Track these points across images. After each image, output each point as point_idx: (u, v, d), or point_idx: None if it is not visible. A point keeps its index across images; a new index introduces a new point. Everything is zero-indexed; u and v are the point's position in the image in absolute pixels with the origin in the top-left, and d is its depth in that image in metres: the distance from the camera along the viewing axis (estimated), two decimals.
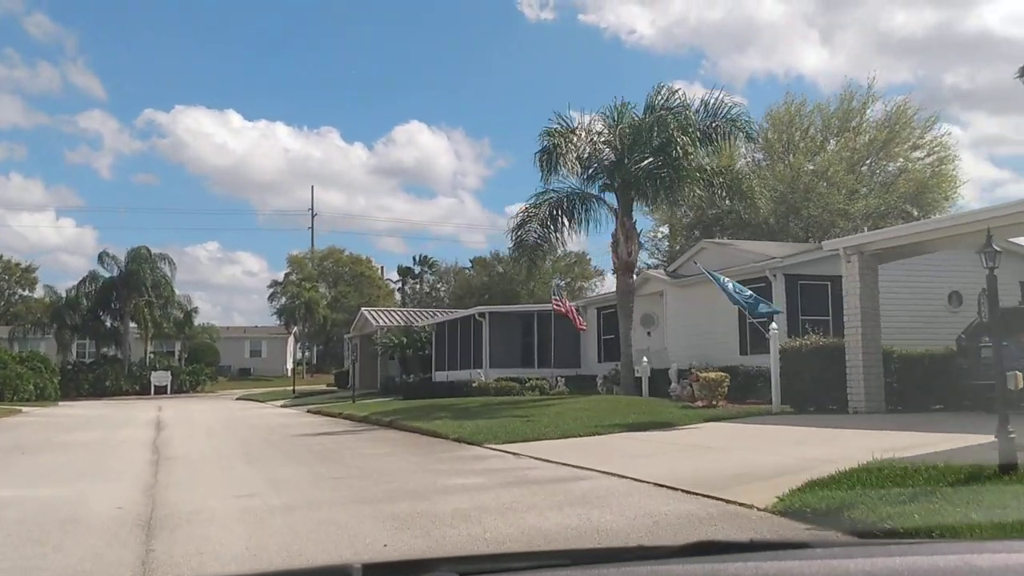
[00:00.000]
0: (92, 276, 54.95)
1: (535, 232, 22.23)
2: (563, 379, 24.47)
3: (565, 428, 14.39)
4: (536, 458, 11.32)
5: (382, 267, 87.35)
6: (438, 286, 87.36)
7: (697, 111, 20.68)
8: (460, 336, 30.82)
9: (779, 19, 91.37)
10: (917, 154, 39.69)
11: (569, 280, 75.22)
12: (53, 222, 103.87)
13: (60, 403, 40.38)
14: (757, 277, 20.08)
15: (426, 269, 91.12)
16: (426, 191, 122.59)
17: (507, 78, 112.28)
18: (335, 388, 50.41)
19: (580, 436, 13.65)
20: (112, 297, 54.72)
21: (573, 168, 20.04)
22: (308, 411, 29.63)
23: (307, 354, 78.09)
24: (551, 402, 20.11)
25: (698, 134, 20.16)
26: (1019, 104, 78.32)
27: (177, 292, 57.51)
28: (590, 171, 20.96)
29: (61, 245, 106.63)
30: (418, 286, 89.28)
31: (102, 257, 54.67)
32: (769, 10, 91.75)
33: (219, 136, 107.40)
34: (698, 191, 20.36)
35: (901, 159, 39.70)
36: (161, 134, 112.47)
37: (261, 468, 11.59)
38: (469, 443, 13.79)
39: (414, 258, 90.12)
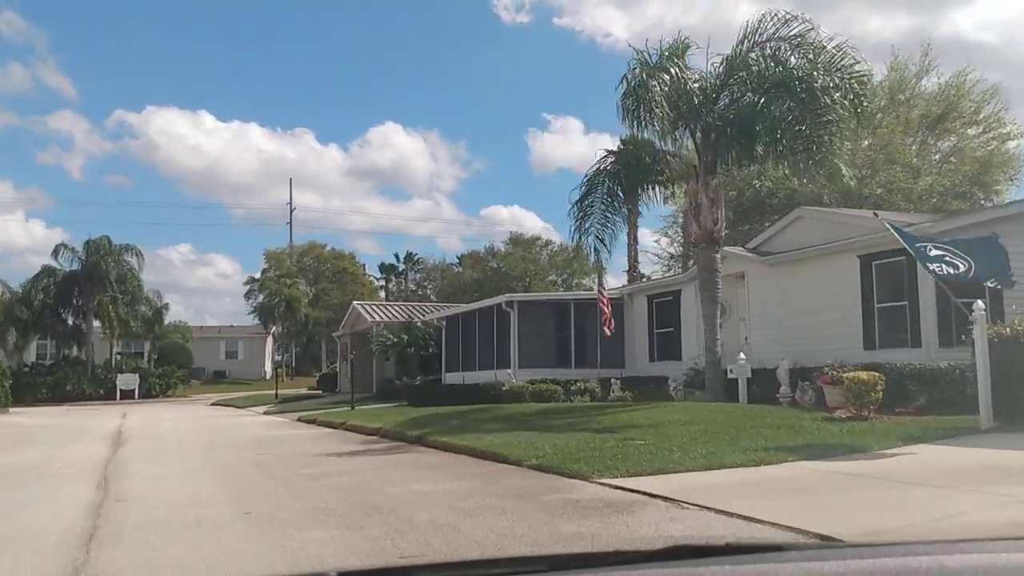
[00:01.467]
0: (49, 270, 49.64)
1: (601, 203, 17.82)
2: (619, 381, 20.00)
3: (701, 453, 9.92)
4: (725, 512, 6.87)
5: (364, 265, 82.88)
6: (424, 284, 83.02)
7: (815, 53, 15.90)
8: (479, 331, 26.17)
9: (754, 24, 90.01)
10: (971, 131, 35.76)
11: (567, 276, 71.02)
12: (23, 223, 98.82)
13: (11, 409, 35.41)
14: (890, 251, 15.67)
15: (410, 266, 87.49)
16: (401, 193, 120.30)
17: (483, 80, 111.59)
18: (319, 392, 46.01)
19: (738, 466, 9.17)
20: (74, 293, 49.56)
21: (662, 115, 15.41)
22: (299, 420, 25.08)
23: (285, 356, 73.14)
24: (624, 411, 15.65)
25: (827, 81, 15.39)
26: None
27: (146, 288, 52.43)
28: (673, 118, 16.28)
29: (31, 246, 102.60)
30: (403, 284, 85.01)
31: (58, 250, 49.38)
32: (745, 14, 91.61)
33: (192, 137, 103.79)
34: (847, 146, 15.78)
35: (955, 136, 35.75)
36: (133, 135, 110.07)
37: (270, 531, 7.01)
38: (567, 475, 9.32)
39: (397, 255, 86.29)
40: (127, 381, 46.87)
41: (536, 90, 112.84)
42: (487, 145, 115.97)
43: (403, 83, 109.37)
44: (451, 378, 27.84)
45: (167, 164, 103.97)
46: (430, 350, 33.69)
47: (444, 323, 28.93)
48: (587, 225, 18.35)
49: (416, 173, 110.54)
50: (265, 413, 30.92)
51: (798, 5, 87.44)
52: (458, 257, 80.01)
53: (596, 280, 22.14)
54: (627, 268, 57.90)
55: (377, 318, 36.11)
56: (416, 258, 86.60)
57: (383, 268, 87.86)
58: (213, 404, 40.82)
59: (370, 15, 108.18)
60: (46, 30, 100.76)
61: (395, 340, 33.47)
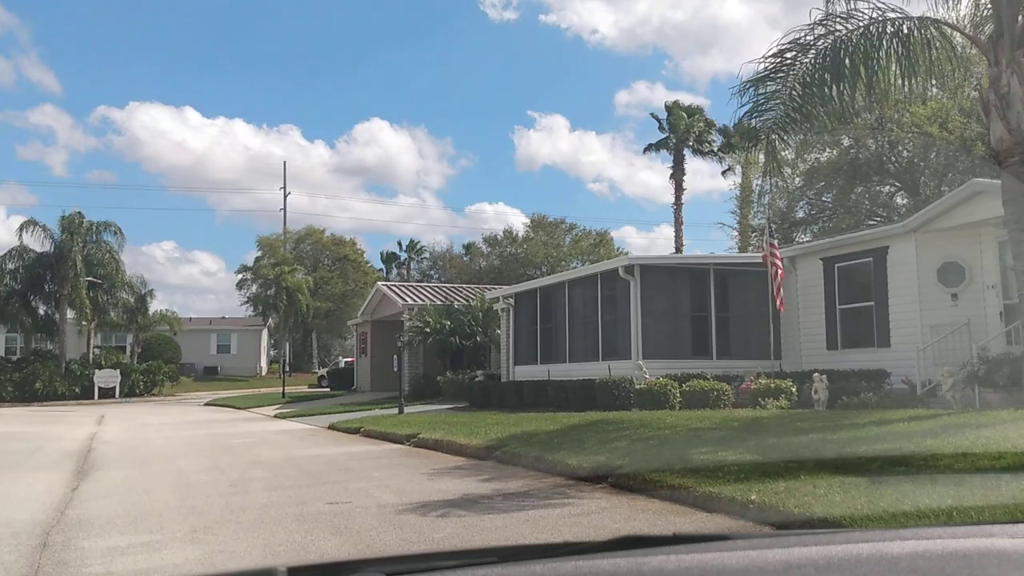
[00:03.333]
0: (19, 252, 42.87)
1: (794, 95, 11.64)
2: (823, 378, 13.55)
3: None
4: None
5: (362, 252, 77.11)
6: (430, 272, 76.95)
7: None
8: (571, 310, 19.48)
9: (742, 20, 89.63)
10: None
11: (591, 263, 64.87)
12: (3, 220, 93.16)
13: None
14: None
15: (413, 255, 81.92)
16: (387, 190, 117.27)
17: (469, 77, 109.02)
18: (328, 390, 39.79)
19: None
20: (46, 278, 42.87)
21: None
22: (332, 428, 18.80)
23: (280, 350, 66.70)
24: (952, 431, 9.33)
25: None
26: None
27: (128, 272, 45.68)
28: None
29: (11, 243, 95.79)
30: (406, 274, 79.13)
31: (25, 227, 42.64)
32: (732, 11, 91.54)
33: (176, 133, 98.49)
34: None
35: None
36: (116, 131, 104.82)
37: None
38: None
39: (399, 243, 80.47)
40: (106, 378, 40.26)
41: (522, 87, 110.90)
42: (473, 142, 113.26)
43: (389, 79, 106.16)
44: (523, 372, 21.44)
45: (151, 160, 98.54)
46: (478, 339, 27.44)
47: (512, 301, 22.47)
48: (763, 118, 12.23)
49: (402, 170, 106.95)
50: (277, 416, 24.60)
51: (786, 4, 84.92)
52: (464, 246, 74.51)
53: (766, 227, 15.82)
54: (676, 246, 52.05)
55: (409, 301, 29.73)
56: (419, 246, 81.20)
57: (384, 257, 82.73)
58: (207, 404, 34.45)
59: (356, 10, 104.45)
60: (29, 23, 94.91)
61: (435, 327, 27.16)
